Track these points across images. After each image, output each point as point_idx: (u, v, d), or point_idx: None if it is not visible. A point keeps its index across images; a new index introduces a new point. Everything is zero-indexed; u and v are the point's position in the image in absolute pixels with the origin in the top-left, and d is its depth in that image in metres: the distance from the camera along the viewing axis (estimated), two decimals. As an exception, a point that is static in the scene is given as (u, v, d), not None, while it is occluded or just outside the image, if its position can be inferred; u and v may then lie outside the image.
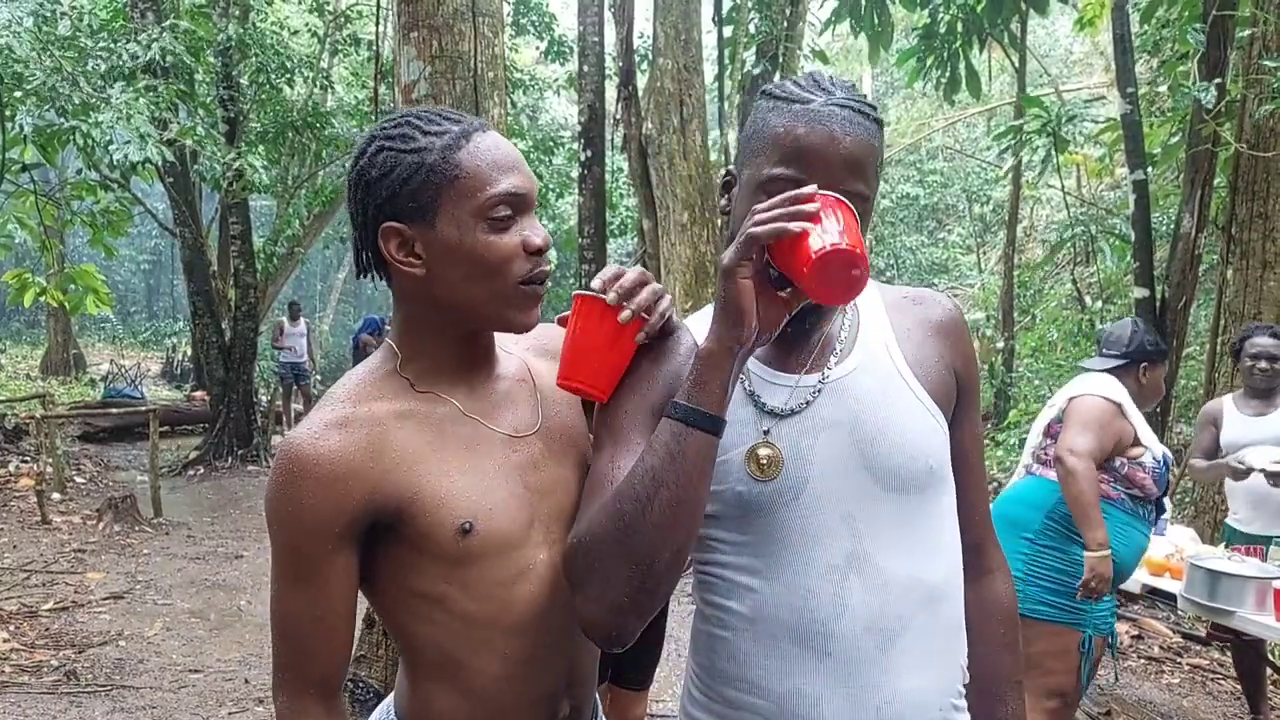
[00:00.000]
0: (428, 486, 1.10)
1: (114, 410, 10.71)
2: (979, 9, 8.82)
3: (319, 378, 12.99)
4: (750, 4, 8.88)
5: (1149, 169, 7.04)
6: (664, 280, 8.19)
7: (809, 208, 0.99)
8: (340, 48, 12.13)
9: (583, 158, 8.72)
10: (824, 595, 1.09)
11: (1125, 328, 3.05)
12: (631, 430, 1.13)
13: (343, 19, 11.69)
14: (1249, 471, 3.45)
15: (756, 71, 8.64)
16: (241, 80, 10.03)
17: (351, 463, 1.07)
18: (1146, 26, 8.33)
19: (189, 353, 17.10)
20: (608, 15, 8.90)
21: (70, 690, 4.03)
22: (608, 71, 9.18)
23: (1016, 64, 10.56)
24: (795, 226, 0.98)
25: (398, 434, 1.11)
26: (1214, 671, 4.66)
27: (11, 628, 4.69)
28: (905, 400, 1.15)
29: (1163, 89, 8.40)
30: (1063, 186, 10.54)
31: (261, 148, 10.51)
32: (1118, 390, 2.85)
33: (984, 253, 17.67)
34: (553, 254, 14.24)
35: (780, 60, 8.66)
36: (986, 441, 1.50)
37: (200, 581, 5.77)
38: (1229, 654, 4.29)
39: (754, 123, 1.15)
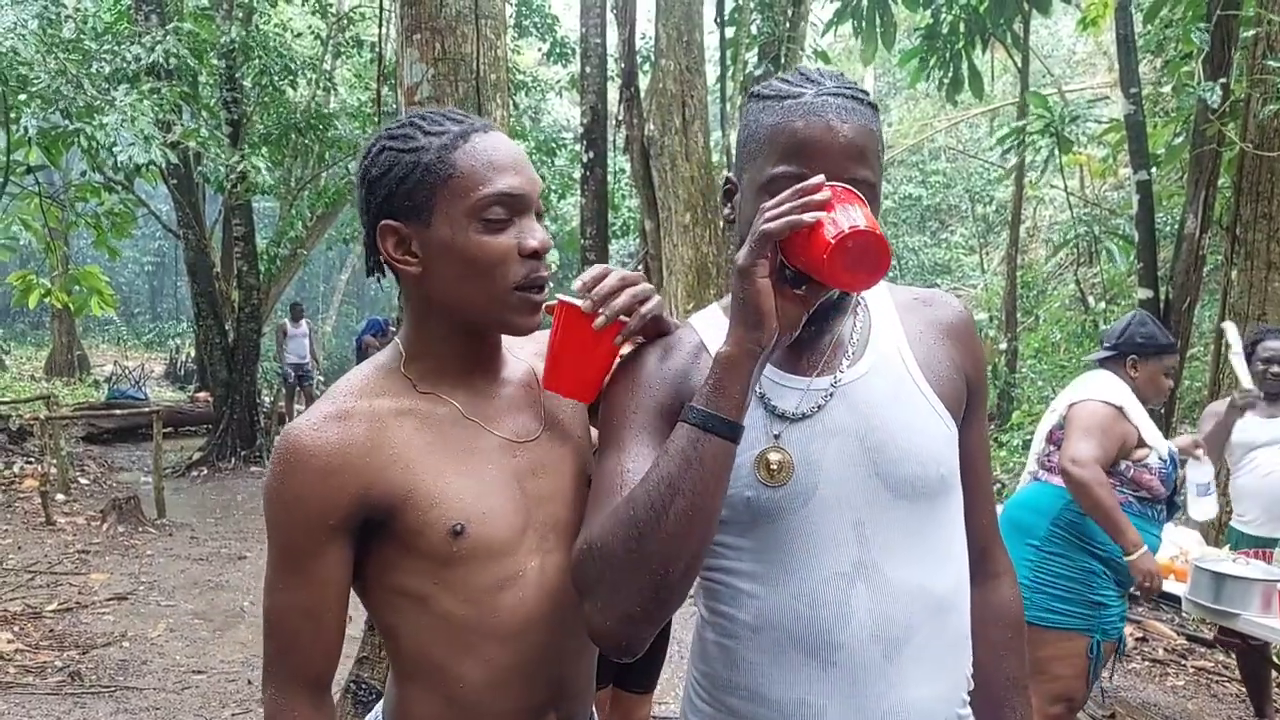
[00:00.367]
0: (423, 486, 1.10)
1: (118, 411, 10.73)
2: (981, 9, 8.82)
3: (321, 379, 13.00)
4: (752, 5, 8.88)
5: (1153, 169, 7.04)
6: (666, 281, 8.19)
7: (819, 196, 0.96)
8: (343, 50, 12.15)
9: (585, 159, 8.73)
10: (830, 603, 1.07)
11: (1124, 320, 3.02)
12: (636, 430, 1.12)
13: (346, 21, 11.70)
14: (1248, 399, 3.56)
15: (759, 72, 8.64)
16: (245, 82, 10.05)
17: (348, 456, 1.08)
18: (1150, 26, 8.32)
19: (192, 354, 17.16)
20: (610, 17, 8.90)
21: (74, 691, 4.03)
22: (610, 73, 9.19)
23: (1019, 64, 10.56)
24: (809, 217, 0.95)
25: (397, 432, 1.11)
26: (1218, 674, 4.64)
27: (16, 628, 4.70)
28: (918, 405, 1.13)
29: (1166, 89, 8.39)
30: (1066, 187, 10.55)
31: (265, 149, 10.53)
32: (1118, 392, 2.79)
33: (987, 253, 17.67)
34: (555, 255, 14.29)
35: (782, 61, 8.66)
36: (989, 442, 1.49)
37: (204, 582, 5.78)
38: (1233, 656, 4.28)
39: (747, 126, 1.13)
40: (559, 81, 13.83)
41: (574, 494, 1.20)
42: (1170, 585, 3.31)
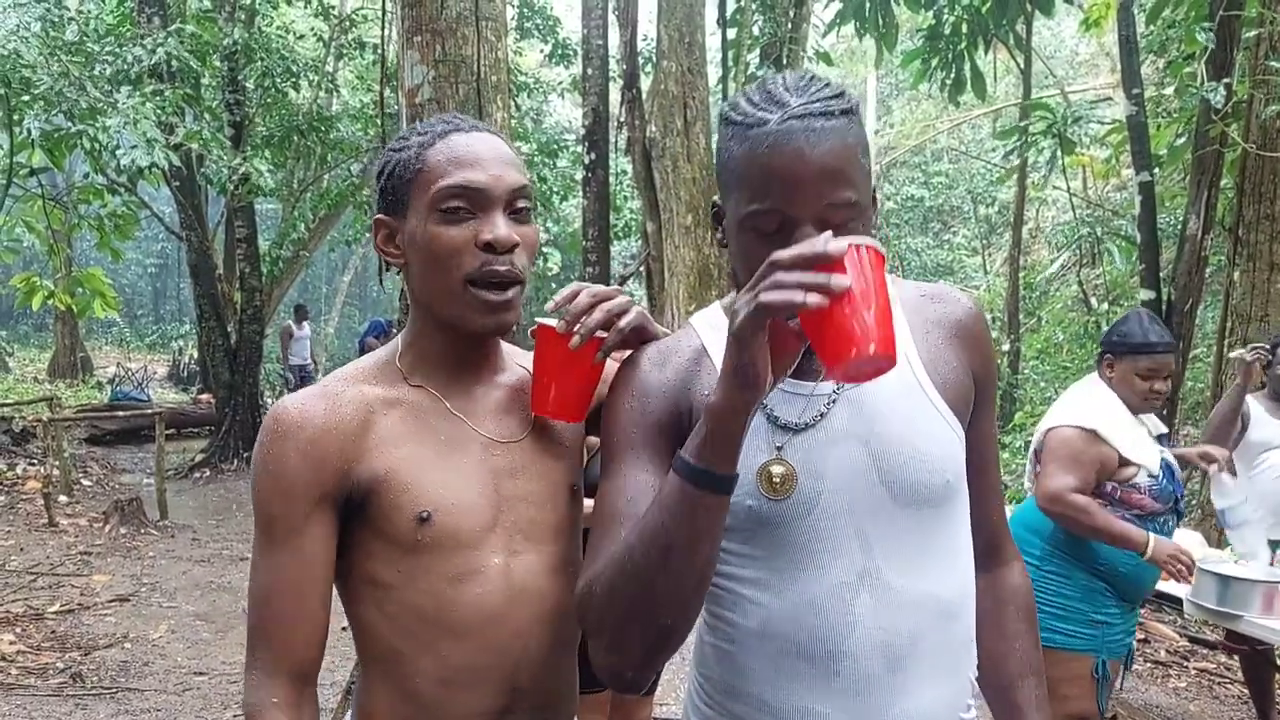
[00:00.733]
0: (399, 471, 1.12)
1: (120, 413, 10.75)
2: (984, 10, 8.80)
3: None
4: (754, 6, 8.89)
5: (1155, 170, 7.03)
6: (668, 282, 8.19)
7: (835, 283, 0.85)
8: (346, 52, 12.16)
9: (587, 161, 8.73)
10: (834, 612, 1.06)
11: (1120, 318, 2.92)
12: (636, 450, 1.11)
13: (348, 23, 11.71)
14: (1257, 354, 3.47)
15: (760, 74, 8.64)
16: (247, 84, 10.06)
17: (333, 432, 1.11)
18: (1153, 27, 8.31)
19: (195, 355, 17.19)
20: (611, 19, 8.91)
21: (75, 693, 4.03)
22: (611, 74, 9.19)
23: (1022, 65, 10.56)
24: (813, 301, 0.85)
25: (382, 418, 1.15)
26: (1221, 675, 4.63)
27: (18, 630, 4.70)
28: (923, 410, 1.11)
29: (1169, 90, 8.38)
30: (1069, 188, 10.53)
31: (267, 151, 10.55)
32: (1091, 412, 2.67)
33: (989, 254, 17.66)
34: (557, 256, 14.28)
35: (784, 62, 8.66)
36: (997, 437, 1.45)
37: (205, 584, 5.78)
38: (1236, 659, 4.27)
39: (721, 154, 1.07)
40: (561, 83, 13.84)
41: (550, 499, 1.21)
42: (1172, 587, 3.30)
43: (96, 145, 7.43)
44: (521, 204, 1.16)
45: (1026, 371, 11.49)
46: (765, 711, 1.09)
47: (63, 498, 7.77)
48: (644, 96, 8.51)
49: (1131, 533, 2.59)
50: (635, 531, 0.99)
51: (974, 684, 1.19)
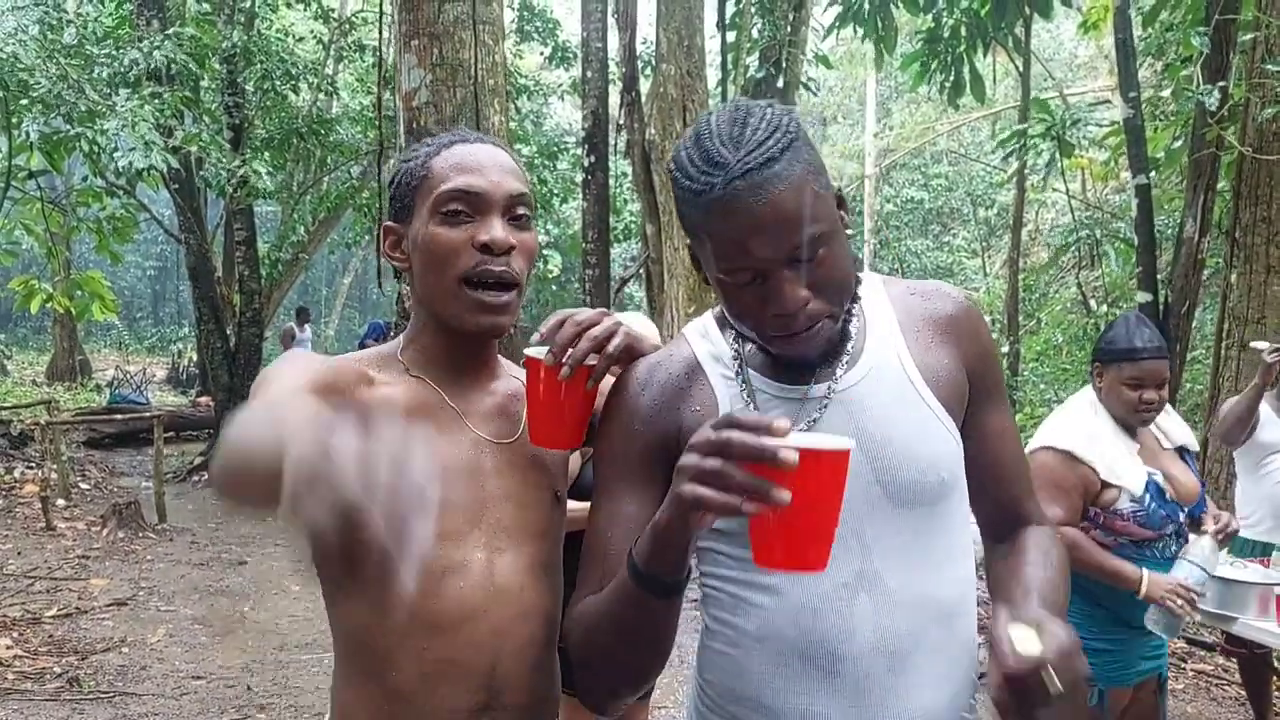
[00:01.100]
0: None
1: (119, 416, 10.75)
2: (983, 13, 8.82)
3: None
4: (753, 9, 8.89)
5: (1152, 173, 7.03)
6: (668, 284, 8.20)
7: (774, 496, 0.81)
8: (345, 54, 12.18)
9: (586, 163, 8.73)
10: (832, 614, 1.06)
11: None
12: (623, 475, 1.14)
13: (347, 25, 11.73)
14: (1278, 354, 3.35)
15: (760, 76, 8.65)
16: (246, 87, 10.07)
17: (338, 386, 1.15)
18: (1151, 30, 8.32)
19: (194, 358, 17.18)
20: (611, 21, 8.91)
21: (73, 697, 4.03)
22: (611, 77, 9.20)
23: (1021, 68, 10.57)
24: (748, 509, 0.83)
25: (382, 389, 1.20)
26: (1218, 677, 4.64)
27: (15, 634, 4.70)
28: (916, 409, 1.11)
29: (1167, 93, 8.38)
30: (1067, 190, 10.54)
31: (266, 154, 10.56)
32: (1066, 431, 2.48)
33: (989, 256, 17.68)
34: (558, 258, 14.28)
35: (784, 65, 8.67)
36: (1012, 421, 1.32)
37: (204, 588, 5.78)
38: (1235, 661, 4.27)
39: (678, 207, 1.07)
40: (560, 86, 13.85)
41: (533, 502, 1.25)
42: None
43: (95, 148, 7.44)
44: (521, 210, 1.20)
45: (1026, 374, 11.49)
46: (765, 714, 1.09)
47: (61, 501, 7.76)
48: (643, 99, 8.52)
49: (1123, 570, 2.39)
50: (605, 602, 1.05)
51: (977, 684, 1.18)
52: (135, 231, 10.34)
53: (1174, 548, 2.46)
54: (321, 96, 11.55)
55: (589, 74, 8.63)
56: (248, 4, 10.06)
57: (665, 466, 1.08)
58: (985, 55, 9.90)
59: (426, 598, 1.14)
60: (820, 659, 1.06)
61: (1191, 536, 2.49)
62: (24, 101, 7.77)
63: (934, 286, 1.23)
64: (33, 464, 8.98)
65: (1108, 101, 11.90)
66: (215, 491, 0.99)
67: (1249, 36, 5.88)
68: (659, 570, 0.95)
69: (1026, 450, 2.52)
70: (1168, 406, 2.58)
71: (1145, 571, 2.37)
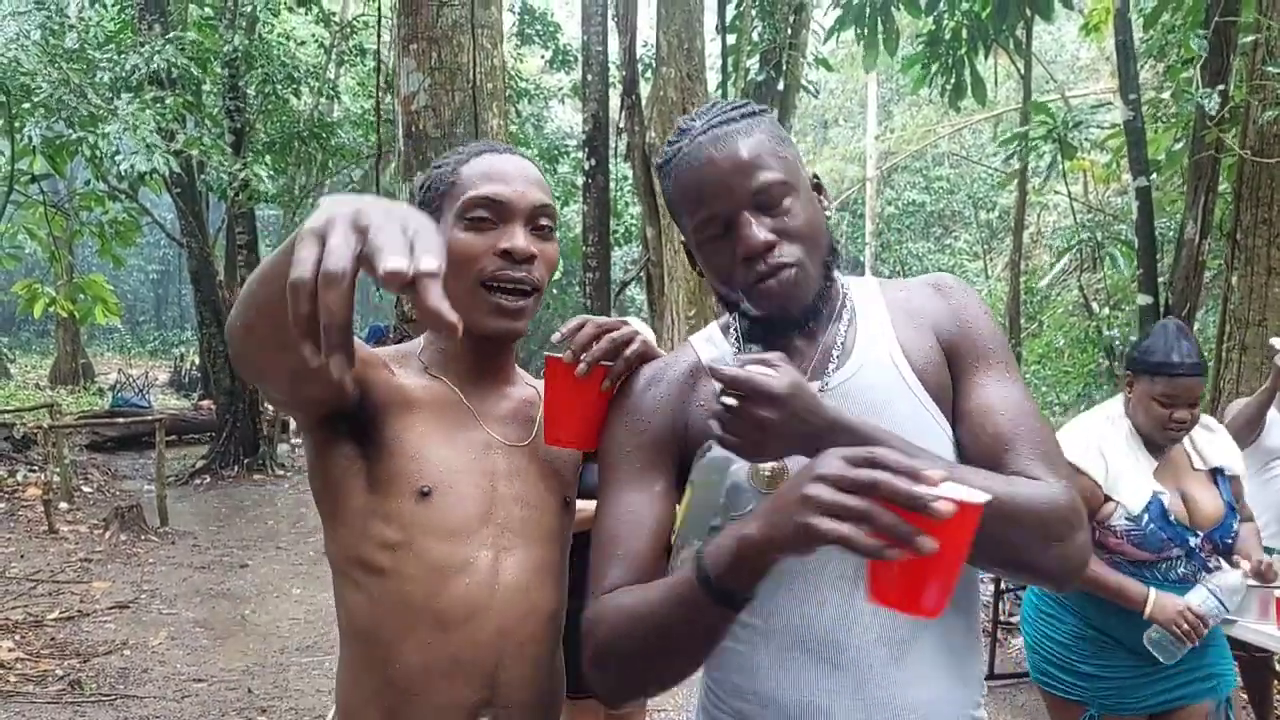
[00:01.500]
0: (411, 438, 1.19)
1: (121, 420, 10.77)
2: (984, 15, 8.82)
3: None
4: (753, 12, 8.91)
5: (1153, 175, 7.03)
6: (668, 287, 8.20)
7: (920, 545, 0.78)
8: (346, 58, 12.20)
9: (587, 166, 8.75)
10: (834, 606, 1.08)
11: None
12: (629, 469, 1.15)
13: (349, 30, 11.75)
14: None
15: (760, 79, 8.66)
16: (248, 91, 10.09)
17: (374, 357, 1.21)
18: (1152, 32, 8.32)
19: (196, 362, 17.19)
20: (611, 25, 8.93)
21: (74, 700, 4.04)
22: (611, 80, 9.21)
23: (1022, 70, 10.57)
24: (894, 554, 0.79)
25: (406, 378, 1.24)
26: (1220, 680, 4.63)
27: (17, 637, 4.71)
28: (907, 403, 1.12)
29: (1167, 95, 8.38)
30: (1069, 192, 10.53)
31: (268, 158, 10.58)
32: (1074, 442, 2.33)
33: (990, 259, 17.67)
34: (560, 263, 14.30)
35: (784, 68, 8.69)
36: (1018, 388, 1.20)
37: (205, 591, 5.79)
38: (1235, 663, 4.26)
39: (664, 196, 1.17)
40: (561, 89, 13.88)
41: (542, 505, 1.27)
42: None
43: (97, 152, 7.46)
44: (544, 221, 1.25)
45: (1028, 376, 11.49)
46: (769, 707, 1.10)
47: (63, 504, 7.78)
48: (644, 102, 8.54)
49: (1129, 588, 2.25)
50: (649, 604, 1.01)
51: (983, 683, 1.19)
52: (137, 235, 10.35)
53: (1180, 570, 2.31)
54: (323, 100, 11.56)
55: (589, 77, 8.65)
56: (249, 8, 10.08)
57: (671, 457, 1.15)
58: (986, 58, 9.90)
59: (434, 594, 1.16)
60: (823, 651, 1.07)
61: (1224, 565, 2.34)
62: (26, 106, 7.79)
63: (915, 281, 1.25)
64: (35, 467, 9.01)
65: (1109, 104, 11.90)
66: (231, 351, 1.02)
67: (1249, 39, 5.87)
68: (735, 585, 0.92)
69: None
70: (1214, 424, 2.47)
71: (1153, 591, 2.25)
